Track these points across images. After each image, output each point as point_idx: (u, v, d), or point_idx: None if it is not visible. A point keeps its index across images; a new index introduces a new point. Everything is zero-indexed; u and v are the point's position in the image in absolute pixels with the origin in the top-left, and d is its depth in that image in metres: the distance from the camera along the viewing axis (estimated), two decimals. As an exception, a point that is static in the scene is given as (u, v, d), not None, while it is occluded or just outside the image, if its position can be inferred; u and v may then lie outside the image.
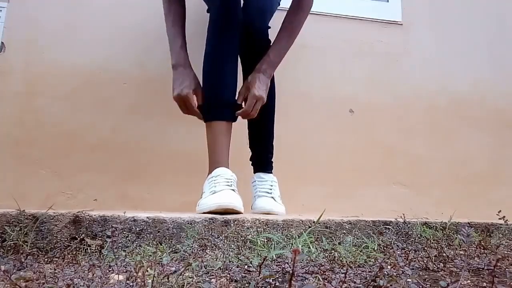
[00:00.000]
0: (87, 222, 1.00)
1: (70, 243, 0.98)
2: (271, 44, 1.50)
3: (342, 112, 1.92)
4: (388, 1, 2.08)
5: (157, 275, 0.69)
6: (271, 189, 1.50)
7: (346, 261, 0.87)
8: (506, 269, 0.85)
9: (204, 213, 1.15)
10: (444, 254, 0.96)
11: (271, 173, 1.54)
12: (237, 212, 1.16)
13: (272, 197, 1.48)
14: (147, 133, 1.74)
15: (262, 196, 1.48)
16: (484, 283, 0.74)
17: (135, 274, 0.64)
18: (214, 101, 1.39)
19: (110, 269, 0.79)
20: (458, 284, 0.63)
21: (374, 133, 1.93)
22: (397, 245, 1.07)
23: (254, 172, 1.55)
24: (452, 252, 0.99)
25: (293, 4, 1.50)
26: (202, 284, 0.69)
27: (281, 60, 1.49)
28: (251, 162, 1.57)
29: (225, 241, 0.99)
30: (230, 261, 0.87)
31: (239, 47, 1.43)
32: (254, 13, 1.52)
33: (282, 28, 1.49)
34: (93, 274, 0.73)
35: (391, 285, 0.61)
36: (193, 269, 0.79)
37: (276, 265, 0.85)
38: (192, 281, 0.71)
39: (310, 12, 1.52)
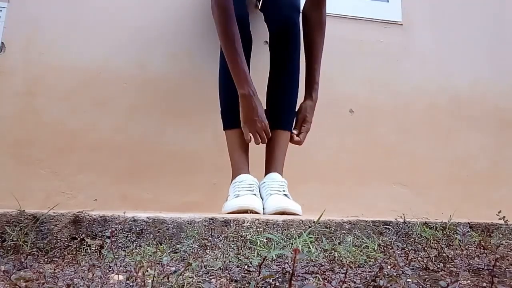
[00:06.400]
0: (87, 222, 1.00)
1: (70, 243, 0.98)
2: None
3: (342, 112, 1.92)
4: (388, 1, 2.08)
5: (157, 275, 0.69)
6: (282, 187, 1.42)
7: (346, 261, 0.87)
8: (506, 269, 0.85)
9: (228, 213, 1.26)
10: (444, 254, 0.96)
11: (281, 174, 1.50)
12: (257, 213, 1.27)
13: (285, 195, 1.40)
14: (147, 133, 1.74)
15: (274, 194, 1.38)
16: (484, 283, 0.74)
17: (135, 274, 0.64)
18: (230, 109, 1.46)
19: (110, 269, 0.79)
20: (457, 284, 0.63)
21: (374, 133, 1.93)
22: (397, 245, 1.07)
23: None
24: (452, 252, 0.99)
25: (314, 21, 1.56)
26: (202, 284, 0.69)
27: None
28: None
29: (225, 241, 0.99)
30: (230, 261, 0.87)
31: (270, 40, 1.55)
32: (287, 8, 1.53)
33: (313, 49, 1.57)
34: (93, 274, 0.73)
35: (391, 285, 0.61)
36: (193, 269, 0.79)
37: (276, 265, 0.85)
38: (192, 281, 0.71)
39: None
